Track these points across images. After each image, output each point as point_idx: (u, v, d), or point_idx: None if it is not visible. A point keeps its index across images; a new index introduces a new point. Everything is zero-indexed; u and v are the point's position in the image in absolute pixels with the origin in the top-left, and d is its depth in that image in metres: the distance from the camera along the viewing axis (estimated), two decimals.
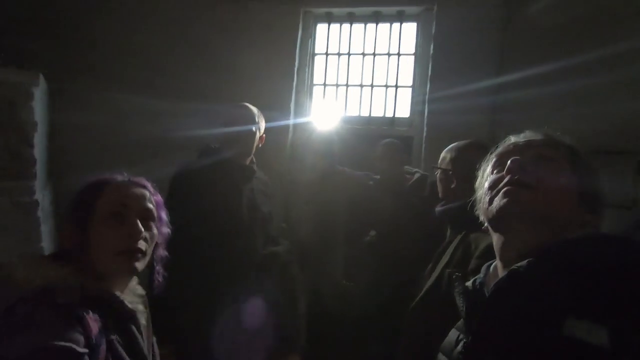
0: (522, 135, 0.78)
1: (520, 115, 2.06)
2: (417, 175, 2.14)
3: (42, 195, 1.95)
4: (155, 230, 0.90)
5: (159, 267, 0.97)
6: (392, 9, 2.74)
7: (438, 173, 1.41)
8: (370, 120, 2.85)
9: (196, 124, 2.21)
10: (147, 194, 0.90)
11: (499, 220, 0.67)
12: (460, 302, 0.66)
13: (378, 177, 2.24)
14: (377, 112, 2.86)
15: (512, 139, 0.78)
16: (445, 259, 1.23)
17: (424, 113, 2.66)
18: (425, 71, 2.68)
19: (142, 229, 0.85)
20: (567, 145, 0.74)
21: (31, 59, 2.15)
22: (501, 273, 0.66)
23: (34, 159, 1.87)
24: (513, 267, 0.56)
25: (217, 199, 1.61)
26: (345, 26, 2.89)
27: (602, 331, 0.45)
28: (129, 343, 0.79)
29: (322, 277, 2.19)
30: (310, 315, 2.23)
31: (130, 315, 0.82)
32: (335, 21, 2.88)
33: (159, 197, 0.94)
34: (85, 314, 0.68)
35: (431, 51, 2.61)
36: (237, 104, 1.80)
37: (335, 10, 2.83)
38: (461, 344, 0.64)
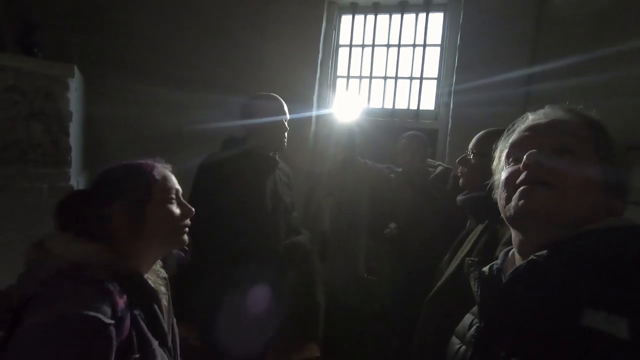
0: (541, 113, 0.71)
1: (552, 100, 1.99)
2: (439, 169, 2.12)
3: (76, 182, 2.06)
4: None
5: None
6: None
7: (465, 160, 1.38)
8: (394, 113, 2.82)
9: (221, 116, 2.26)
10: (173, 176, 0.97)
11: (516, 220, 0.64)
12: (475, 287, 0.65)
13: (400, 169, 2.22)
14: (401, 105, 2.83)
15: (530, 117, 0.72)
16: (466, 247, 1.22)
17: (450, 105, 2.61)
18: (452, 62, 2.62)
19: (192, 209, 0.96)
20: (590, 123, 0.66)
21: (67, 52, 2.26)
22: (518, 261, 0.64)
23: (70, 147, 1.97)
24: (532, 256, 0.55)
25: (241, 189, 1.65)
26: (370, 17, 2.86)
27: (622, 323, 0.44)
28: (151, 320, 0.84)
29: (342, 270, 2.21)
30: (329, 308, 2.27)
31: (153, 295, 0.87)
32: (360, 12, 2.86)
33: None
34: (113, 288, 0.73)
35: (458, 41, 2.55)
36: (266, 94, 1.81)
37: (361, 1, 2.81)
38: (474, 327, 0.64)
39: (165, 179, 0.93)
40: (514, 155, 0.69)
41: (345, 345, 2.23)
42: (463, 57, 2.52)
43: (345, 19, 2.90)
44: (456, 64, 2.56)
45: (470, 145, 1.37)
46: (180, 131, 2.66)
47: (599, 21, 1.94)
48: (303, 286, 2.58)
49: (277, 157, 1.80)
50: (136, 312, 0.79)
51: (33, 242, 0.81)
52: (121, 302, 0.73)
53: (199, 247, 1.39)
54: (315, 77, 2.78)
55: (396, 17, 2.81)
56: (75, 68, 2.02)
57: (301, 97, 2.70)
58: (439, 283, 1.25)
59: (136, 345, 0.74)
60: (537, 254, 0.54)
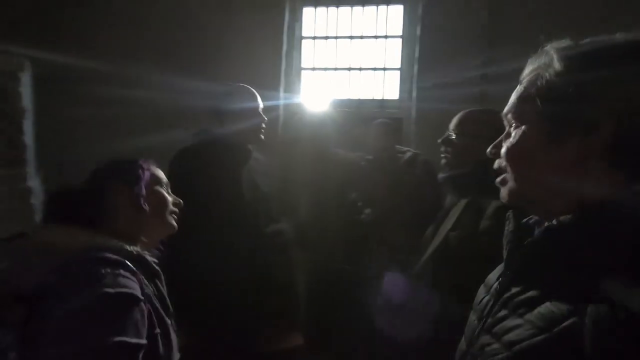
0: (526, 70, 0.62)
1: (510, 89, 2.15)
2: (408, 154, 2.22)
3: (35, 182, 1.93)
4: None
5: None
6: None
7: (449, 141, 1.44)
8: (360, 103, 2.90)
9: (191, 106, 2.22)
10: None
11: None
12: (506, 237, 0.64)
13: (371, 157, 2.30)
14: (367, 95, 2.91)
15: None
16: (449, 222, 1.30)
17: (413, 94, 2.72)
18: (413, 53, 2.73)
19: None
20: (549, 66, 0.55)
21: (18, 44, 2.09)
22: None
23: (25, 145, 1.84)
24: (553, 222, 0.54)
25: (217, 181, 1.63)
26: (332, 9, 2.90)
27: (633, 292, 0.43)
28: (160, 299, 0.86)
29: (321, 261, 2.25)
30: (310, 298, 2.30)
31: (158, 275, 0.88)
32: (322, 4, 2.89)
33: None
34: (135, 269, 0.76)
35: (418, 33, 2.66)
36: (240, 85, 1.79)
37: None
38: (499, 279, 0.63)
39: (154, 169, 0.99)
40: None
41: (327, 334, 2.29)
42: (424, 48, 2.64)
43: (308, 11, 2.92)
44: (417, 55, 2.68)
45: (452, 126, 1.45)
46: (144, 119, 2.56)
47: (550, 13, 2.14)
48: (286, 276, 2.61)
49: (250, 147, 1.79)
50: (148, 291, 0.80)
51: (13, 234, 0.79)
52: (142, 280, 0.75)
53: (179, 239, 1.37)
54: (281, 68, 2.78)
55: (357, 9, 2.87)
56: (28, 61, 1.88)
57: (268, 87, 2.70)
58: (423, 257, 1.33)
59: (156, 321, 0.77)
60: (559, 219, 0.53)
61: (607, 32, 0.55)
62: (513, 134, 0.60)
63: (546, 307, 0.51)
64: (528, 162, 0.57)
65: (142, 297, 0.73)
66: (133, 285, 0.73)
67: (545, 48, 0.58)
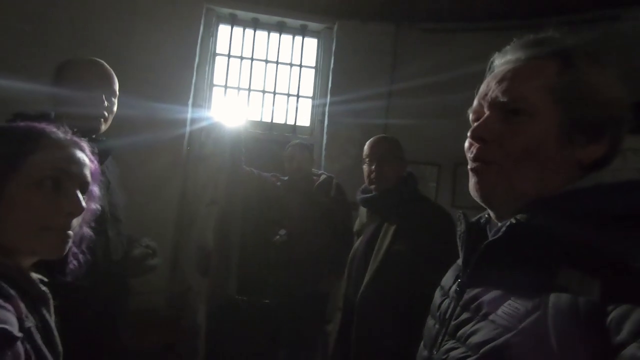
0: (506, 53, 0.59)
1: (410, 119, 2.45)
2: (323, 177, 2.24)
3: None
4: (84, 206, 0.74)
5: (76, 250, 0.79)
6: (296, 22, 2.86)
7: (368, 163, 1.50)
8: (272, 127, 2.87)
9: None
10: (87, 160, 0.74)
11: (477, 199, 0.58)
12: (460, 239, 0.62)
13: (286, 178, 2.26)
14: (279, 119, 2.91)
15: (496, 61, 0.61)
16: (386, 240, 1.32)
17: (324, 122, 2.82)
18: (326, 83, 2.86)
19: (84, 205, 0.69)
20: (557, 57, 0.54)
21: None
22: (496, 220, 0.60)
23: None
24: (511, 220, 0.52)
25: None
26: (249, 31, 2.89)
27: (594, 285, 0.44)
28: (44, 331, 0.63)
29: (219, 289, 2.08)
30: (211, 329, 2.07)
31: (43, 299, 0.66)
32: (239, 24, 2.86)
33: (95, 164, 0.78)
34: (12, 291, 0.52)
35: (332, 65, 2.81)
36: (88, 58, 1.32)
37: (240, 14, 2.82)
38: (458, 282, 0.61)
39: (55, 151, 0.68)
40: (472, 116, 0.62)
41: None
42: (336, 78, 2.79)
43: (224, 29, 2.85)
44: (330, 85, 2.81)
45: (373, 150, 1.52)
46: None
47: (446, 50, 2.49)
48: (173, 309, 2.31)
49: (104, 140, 1.26)
50: (28, 324, 0.58)
51: None
52: (23, 307, 0.54)
53: None
54: (192, 81, 2.62)
55: (274, 35, 2.92)
56: None
57: (176, 99, 2.50)
58: (367, 278, 1.31)
59: None
60: (517, 217, 0.52)
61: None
62: (523, 128, 0.54)
63: (509, 305, 0.50)
64: (539, 160, 0.53)
65: (19, 335, 0.52)
66: (5, 317, 0.52)
67: (552, 35, 0.56)
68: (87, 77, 1.24)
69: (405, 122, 2.56)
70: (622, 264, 0.44)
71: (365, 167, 1.55)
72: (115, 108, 1.31)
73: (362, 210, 1.68)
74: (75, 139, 0.73)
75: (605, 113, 0.52)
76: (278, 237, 2.04)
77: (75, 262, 0.78)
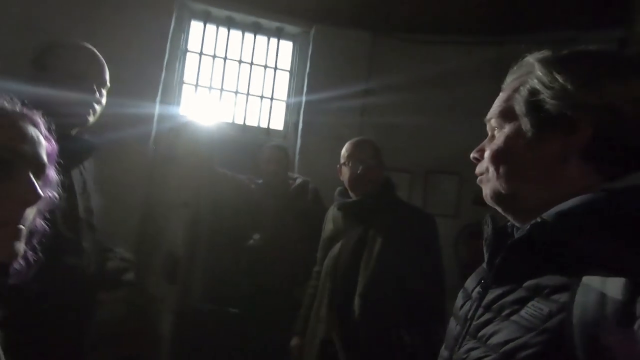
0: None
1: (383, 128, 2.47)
2: (299, 181, 2.19)
3: None
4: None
5: (24, 246, 0.67)
6: (272, 24, 2.82)
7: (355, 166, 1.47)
8: (245, 129, 2.79)
9: None
10: (41, 137, 0.63)
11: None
12: (486, 240, 0.63)
13: (260, 181, 2.18)
14: (252, 122, 2.83)
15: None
16: (375, 246, 1.29)
17: (298, 126, 2.78)
18: (301, 87, 2.82)
19: (40, 193, 0.56)
20: (530, 70, 0.59)
21: None
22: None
23: None
24: (536, 220, 0.52)
25: None
26: (223, 30, 2.80)
27: (621, 286, 0.43)
28: None
29: (196, 292, 1.96)
30: (179, 338, 1.94)
31: None
32: (213, 22, 2.77)
33: (53, 144, 0.67)
34: None
35: (307, 69, 2.78)
36: (75, 41, 1.20)
37: (214, 11, 2.73)
38: (480, 284, 0.61)
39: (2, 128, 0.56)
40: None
41: None
42: (311, 83, 2.76)
43: (197, 25, 2.75)
44: (305, 89, 2.78)
45: (353, 152, 1.49)
46: None
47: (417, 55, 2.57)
48: (136, 319, 2.15)
49: (87, 138, 1.16)
50: None
51: None
52: None
53: None
54: (160, 78, 2.48)
55: (249, 36, 2.85)
56: None
57: (143, 96, 2.36)
58: (361, 288, 1.27)
59: None
60: (542, 216, 0.52)
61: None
62: (497, 136, 0.62)
63: (533, 305, 0.50)
64: (511, 159, 0.58)
65: None
66: None
67: (526, 58, 0.62)
68: (77, 63, 1.12)
69: (379, 129, 2.58)
70: None
71: (346, 168, 1.51)
72: (104, 100, 1.19)
73: (335, 215, 1.63)
74: (27, 111, 0.61)
75: (560, 101, 0.54)
76: (252, 241, 1.96)
77: (22, 261, 0.66)
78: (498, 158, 0.60)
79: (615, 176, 0.51)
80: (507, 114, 0.60)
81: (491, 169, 0.61)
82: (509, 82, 0.64)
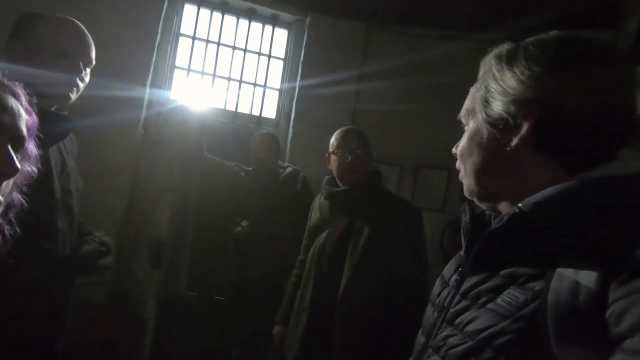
0: None
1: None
2: (289, 170, 2.18)
3: None
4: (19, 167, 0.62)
5: (3, 220, 0.66)
6: (268, 11, 2.78)
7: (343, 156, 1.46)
8: (236, 116, 2.76)
9: None
10: (21, 109, 0.62)
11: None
12: (463, 229, 0.63)
13: (250, 168, 2.17)
14: (244, 109, 2.80)
15: None
16: (362, 236, 1.29)
17: (291, 115, 2.76)
18: (294, 76, 2.80)
19: (18, 165, 0.56)
20: (491, 66, 0.59)
21: None
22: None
23: None
24: (514, 210, 0.52)
25: None
26: (217, 15, 2.75)
27: (595, 276, 0.44)
28: None
29: (181, 277, 1.95)
30: (162, 323, 1.93)
31: None
32: (207, 6, 2.72)
33: (33, 117, 0.65)
34: None
35: (302, 58, 2.75)
36: (59, 16, 1.13)
37: None
38: (458, 271, 0.62)
39: None
40: None
41: None
42: (305, 72, 2.74)
43: (190, 9, 2.70)
44: (299, 78, 2.75)
45: (343, 141, 1.48)
46: None
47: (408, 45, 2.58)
48: (117, 302, 2.13)
49: (67, 115, 1.10)
50: None
51: None
52: None
53: None
54: (151, 61, 2.44)
55: (243, 22, 2.81)
56: None
57: (133, 79, 2.32)
58: (346, 277, 1.27)
59: None
60: (519, 206, 0.52)
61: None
62: (464, 134, 0.64)
63: (509, 293, 0.51)
64: (475, 157, 0.60)
65: None
66: None
67: (489, 54, 0.62)
68: (62, 39, 1.08)
69: (371, 121, 2.58)
70: (623, 255, 0.44)
71: (335, 157, 1.50)
72: (87, 79, 1.16)
73: (322, 204, 1.61)
74: (8, 82, 0.59)
75: (505, 97, 0.55)
76: (240, 228, 1.95)
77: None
78: (463, 156, 0.62)
79: (577, 167, 0.52)
80: (470, 112, 0.62)
81: (462, 166, 0.63)
82: (479, 77, 0.65)
